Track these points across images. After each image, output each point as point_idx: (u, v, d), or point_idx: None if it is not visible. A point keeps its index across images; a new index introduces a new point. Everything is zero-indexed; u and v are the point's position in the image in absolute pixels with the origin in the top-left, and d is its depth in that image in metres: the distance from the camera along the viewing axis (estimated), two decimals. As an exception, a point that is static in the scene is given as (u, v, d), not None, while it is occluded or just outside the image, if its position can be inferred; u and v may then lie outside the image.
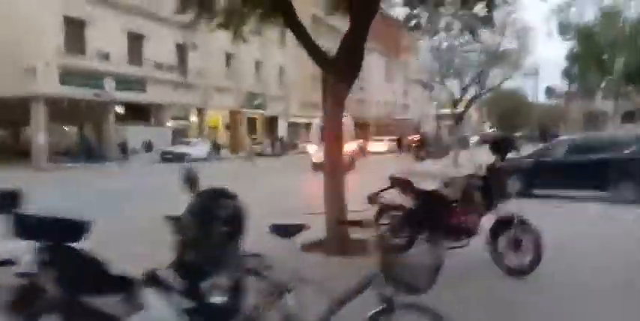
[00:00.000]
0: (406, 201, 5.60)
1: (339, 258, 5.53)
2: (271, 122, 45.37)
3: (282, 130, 46.13)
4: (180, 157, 26.72)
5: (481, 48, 25.66)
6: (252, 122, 42.50)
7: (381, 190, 5.85)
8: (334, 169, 6.10)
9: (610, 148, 10.87)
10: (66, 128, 28.59)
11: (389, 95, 70.03)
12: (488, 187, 5.26)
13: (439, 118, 55.22)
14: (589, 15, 18.71)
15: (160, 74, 30.63)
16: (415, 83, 56.17)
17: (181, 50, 32.43)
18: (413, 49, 43.88)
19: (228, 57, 37.06)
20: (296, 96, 47.55)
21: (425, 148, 30.01)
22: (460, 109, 29.02)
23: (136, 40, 29.35)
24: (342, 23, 7.72)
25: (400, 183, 5.75)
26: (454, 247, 5.12)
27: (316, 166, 16.88)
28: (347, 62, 5.89)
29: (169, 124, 32.54)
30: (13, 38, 23.81)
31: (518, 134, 48.57)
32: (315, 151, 19.34)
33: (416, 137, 37.96)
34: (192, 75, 33.34)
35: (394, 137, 45.08)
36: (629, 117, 61.34)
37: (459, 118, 29.52)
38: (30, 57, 23.77)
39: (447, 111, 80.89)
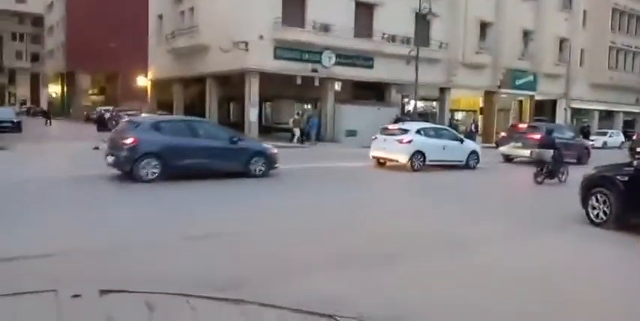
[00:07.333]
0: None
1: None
2: (544, 107, 36.78)
3: (560, 117, 37.01)
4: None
5: None
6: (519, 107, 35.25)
7: None
8: None
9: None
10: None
11: None
12: None
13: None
14: None
15: (392, 48, 26.82)
16: None
17: (421, 20, 27.06)
18: None
19: (483, 26, 30.57)
20: (585, 76, 37.37)
21: None
22: None
23: (365, 9, 26.33)
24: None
25: None
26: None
27: None
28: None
29: (420, 104, 28.30)
30: (231, 12, 23.82)
31: None
32: None
33: None
34: (434, 49, 28.43)
35: None
36: None
37: None
38: (244, 31, 23.34)
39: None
